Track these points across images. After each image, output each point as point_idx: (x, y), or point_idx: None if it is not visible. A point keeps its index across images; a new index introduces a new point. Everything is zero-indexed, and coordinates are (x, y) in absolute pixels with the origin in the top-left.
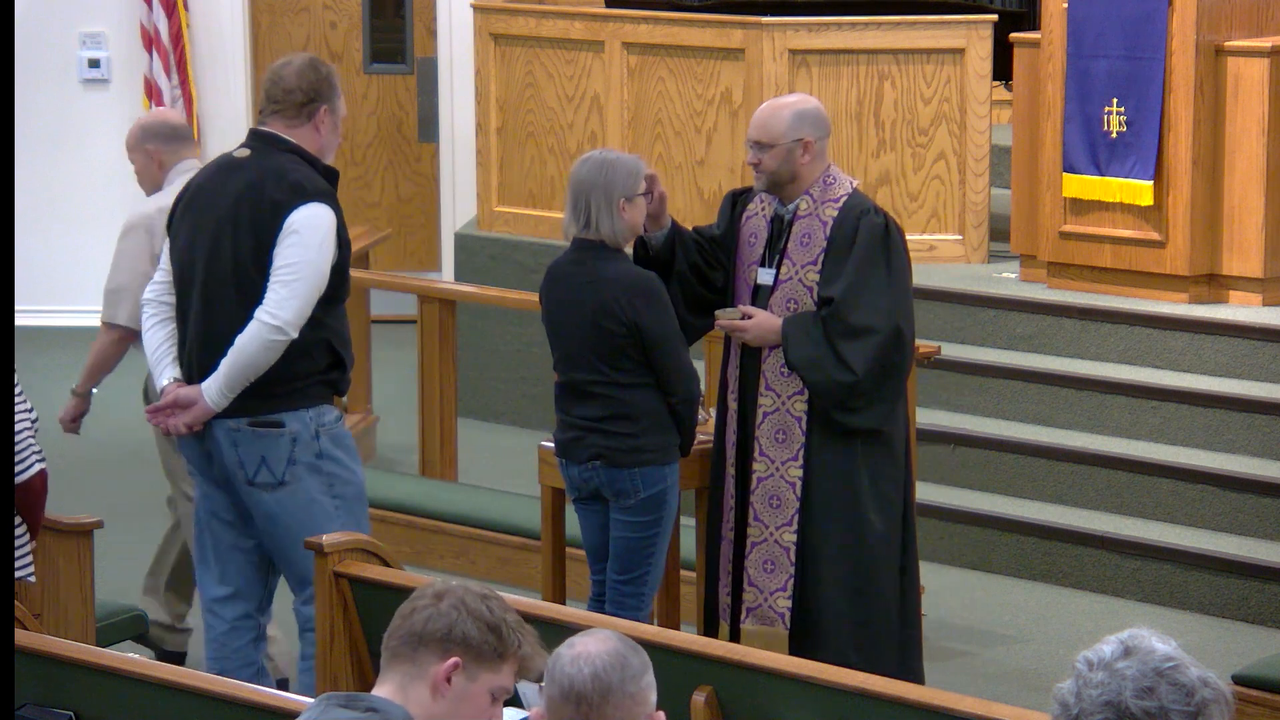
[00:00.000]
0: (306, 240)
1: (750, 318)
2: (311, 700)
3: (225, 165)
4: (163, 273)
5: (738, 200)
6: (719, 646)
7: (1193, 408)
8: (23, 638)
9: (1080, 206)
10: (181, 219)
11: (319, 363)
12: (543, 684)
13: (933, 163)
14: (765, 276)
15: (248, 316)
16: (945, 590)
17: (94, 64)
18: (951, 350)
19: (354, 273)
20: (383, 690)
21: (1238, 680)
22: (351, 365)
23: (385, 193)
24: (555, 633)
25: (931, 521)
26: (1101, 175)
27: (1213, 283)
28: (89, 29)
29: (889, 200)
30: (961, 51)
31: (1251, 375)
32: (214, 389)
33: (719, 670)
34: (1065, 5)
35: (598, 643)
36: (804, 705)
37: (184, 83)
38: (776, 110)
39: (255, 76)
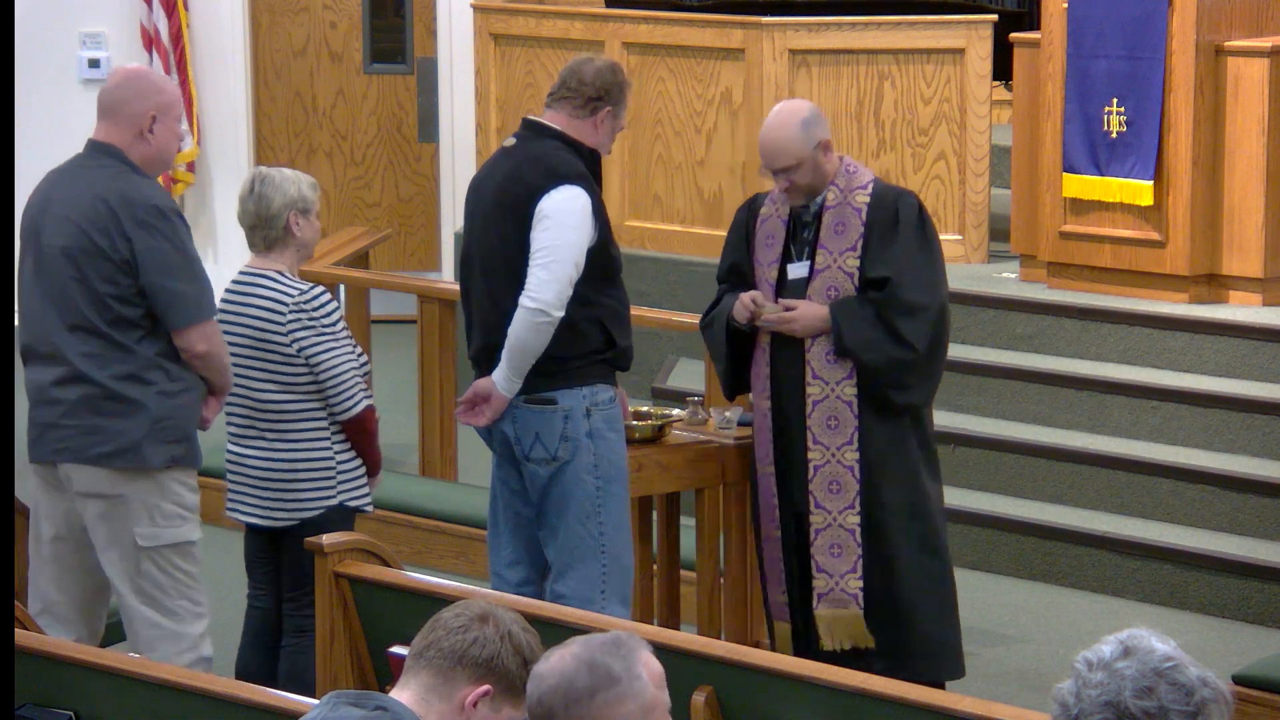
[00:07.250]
0: (559, 222)
1: (792, 309)
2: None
3: (498, 154)
4: None
5: (750, 214)
6: (719, 646)
7: (1193, 408)
8: (23, 638)
9: (1080, 206)
10: (468, 207)
11: (592, 342)
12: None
13: (933, 163)
14: (798, 270)
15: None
16: None
17: (94, 64)
18: (951, 350)
19: (352, 273)
20: (402, 695)
21: (1238, 680)
22: (628, 341)
23: (385, 193)
24: (556, 634)
25: None
26: (1101, 175)
27: (1213, 283)
28: (89, 29)
29: None
30: (961, 51)
31: (1251, 375)
32: (501, 377)
33: (719, 670)
34: (1065, 5)
35: (562, 658)
36: (804, 705)
37: (184, 83)
38: (781, 130)
39: (255, 76)
